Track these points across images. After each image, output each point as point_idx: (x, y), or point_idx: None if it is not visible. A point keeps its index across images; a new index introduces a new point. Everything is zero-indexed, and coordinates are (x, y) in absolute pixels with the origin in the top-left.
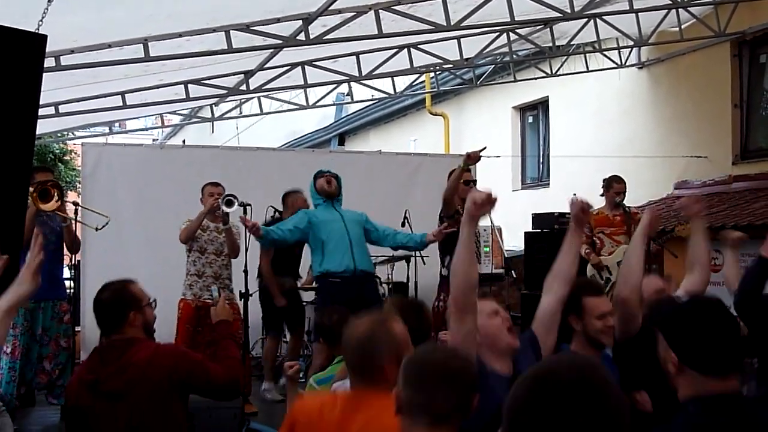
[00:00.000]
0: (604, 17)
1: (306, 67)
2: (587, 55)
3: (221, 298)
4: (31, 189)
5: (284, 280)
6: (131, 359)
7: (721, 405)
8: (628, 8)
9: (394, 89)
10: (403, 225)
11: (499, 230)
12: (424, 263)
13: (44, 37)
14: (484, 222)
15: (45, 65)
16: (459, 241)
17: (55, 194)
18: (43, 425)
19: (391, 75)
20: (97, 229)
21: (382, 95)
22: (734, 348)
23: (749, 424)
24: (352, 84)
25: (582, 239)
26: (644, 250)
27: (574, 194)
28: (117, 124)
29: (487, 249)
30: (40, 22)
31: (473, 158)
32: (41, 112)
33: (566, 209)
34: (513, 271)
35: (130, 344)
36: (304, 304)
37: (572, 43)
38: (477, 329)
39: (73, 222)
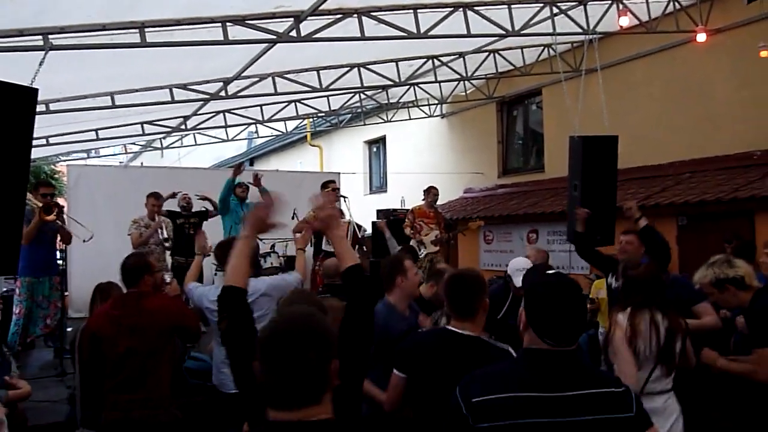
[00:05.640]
0: (420, 85)
1: (226, 113)
2: (410, 108)
3: (173, 281)
4: (39, 204)
5: None
6: (146, 305)
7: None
8: (434, 80)
9: (286, 129)
10: (292, 218)
11: (357, 225)
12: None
13: (36, 90)
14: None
15: (37, 110)
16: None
17: (56, 210)
18: (42, 362)
19: (284, 120)
20: (84, 241)
21: (278, 133)
22: (565, 325)
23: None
24: (258, 125)
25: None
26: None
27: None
28: (92, 151)
29: None
30: (33, 79)
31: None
32: (36, 143)
33: (397, 206)
34: (364, 247)
35: (142, 295)
36: None
37: (400, 101)
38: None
39: (65, 223)
